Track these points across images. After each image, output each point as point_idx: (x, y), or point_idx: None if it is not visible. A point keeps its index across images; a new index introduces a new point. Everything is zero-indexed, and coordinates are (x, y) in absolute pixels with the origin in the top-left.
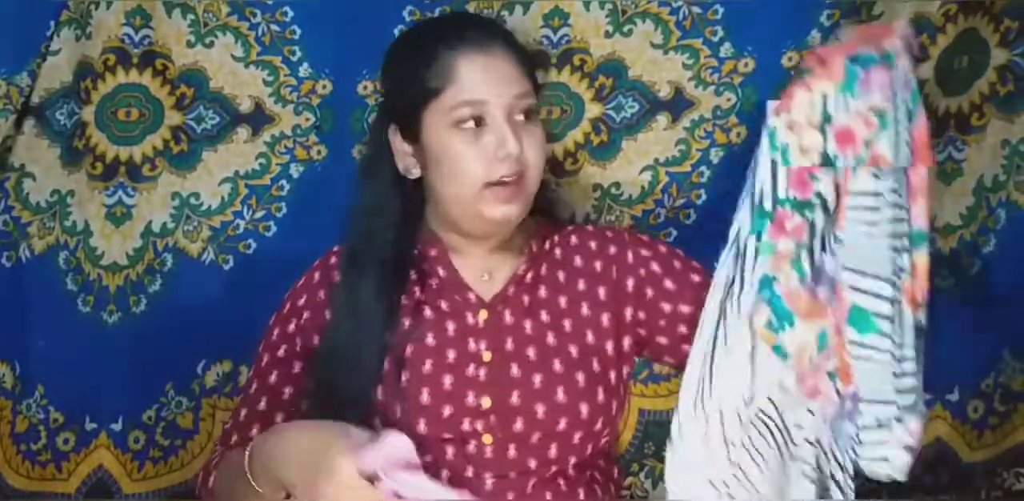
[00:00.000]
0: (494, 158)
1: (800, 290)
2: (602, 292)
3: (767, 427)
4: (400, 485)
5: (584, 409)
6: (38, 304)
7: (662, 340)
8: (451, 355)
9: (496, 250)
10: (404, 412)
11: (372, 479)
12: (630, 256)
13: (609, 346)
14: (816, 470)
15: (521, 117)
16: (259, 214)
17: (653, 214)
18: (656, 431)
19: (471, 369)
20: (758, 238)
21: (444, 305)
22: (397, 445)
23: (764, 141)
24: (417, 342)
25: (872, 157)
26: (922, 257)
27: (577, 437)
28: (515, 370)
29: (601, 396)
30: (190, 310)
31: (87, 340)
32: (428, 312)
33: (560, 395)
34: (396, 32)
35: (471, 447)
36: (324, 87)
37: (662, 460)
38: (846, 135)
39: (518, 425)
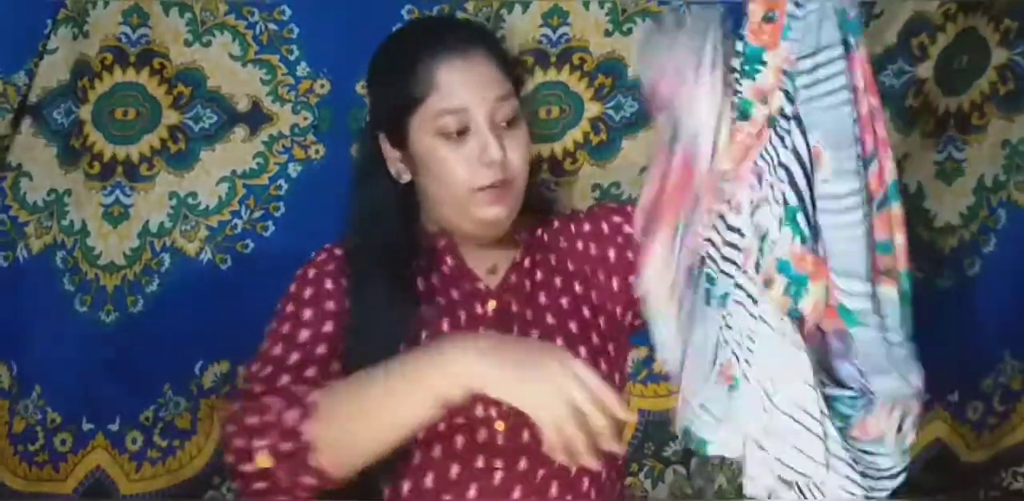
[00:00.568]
0: (478, 163)
1: (804, 252)
2: (588, 269)
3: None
4: None
5: None
6: (35, 304)
7: None
8: None
9: (495, 244)
10: None
11: None
12: (605, 227)
13: (602, 320)
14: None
15: (503, 121)
16: (257, 214)
17: None
18: (656, 431)
19: None
20: None
21: (455, 294)
22: None
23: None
24: (431, 329)
25: None
26: (897, 211)
27: None
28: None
29: (604, 367)
30: (188, 310)
31: (84, 340)
32: (440, 300)
33: None
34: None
35: (483, 435)
36: (322, 86)
37: (662, 460)
38: None
39: None
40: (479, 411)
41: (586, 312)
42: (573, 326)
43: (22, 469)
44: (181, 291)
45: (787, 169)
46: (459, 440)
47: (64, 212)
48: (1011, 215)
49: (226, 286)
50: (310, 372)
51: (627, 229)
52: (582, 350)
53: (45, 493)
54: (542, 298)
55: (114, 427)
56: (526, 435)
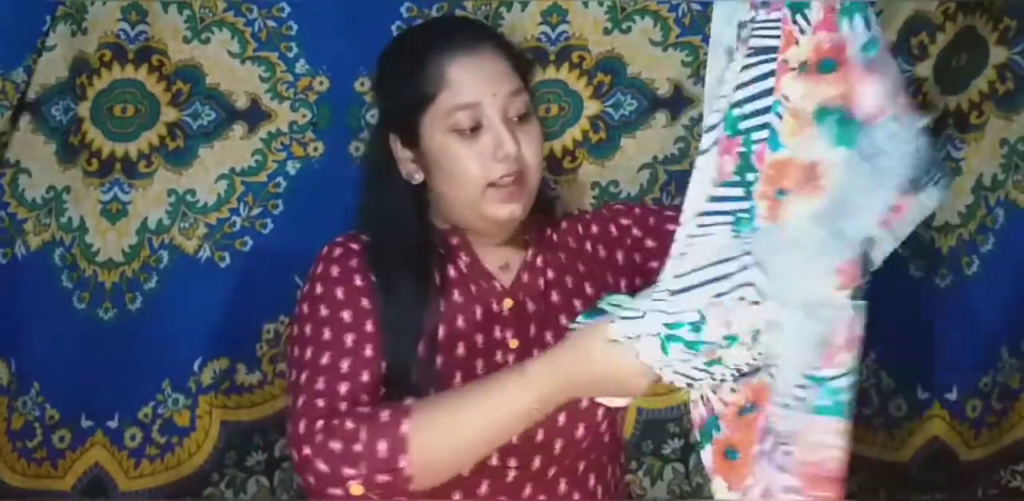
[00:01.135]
0: (492, 159)
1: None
2: (598, 270)
3: None
4: None
5: None
6: (33, 301)
7: None
8: (480, 340)
9: (505, 243)
10: (438, 392)
11: None
12: (613, 229)
13: None
14: None
15: (516, 116)
16: (256, 211)
17: None
18: (654, 429)
19: (499, 355)
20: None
21: (471, 292)
22: None
23: None
24: (449, 326)
25: None
26: None
27: (600, 413)
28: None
29: None
30: (186, 307)
31: (83, 337)
32: (457, 296)
33: None
34: (394, 28)
35: None
36: (321, 83)
37: (661, 458)
38: None
39: None
40: None
41: None
42: None
43: (20, 466)
44: (179, 288)
45: None
46: None
47: (63, 209)
48: (1009, 214)
49: (225, 283)
50: (365, 377)
51: (635, 232)
52: None
53: (43, 490)
54: (555, 297)
55: (113, 424)
56: (541, 434)
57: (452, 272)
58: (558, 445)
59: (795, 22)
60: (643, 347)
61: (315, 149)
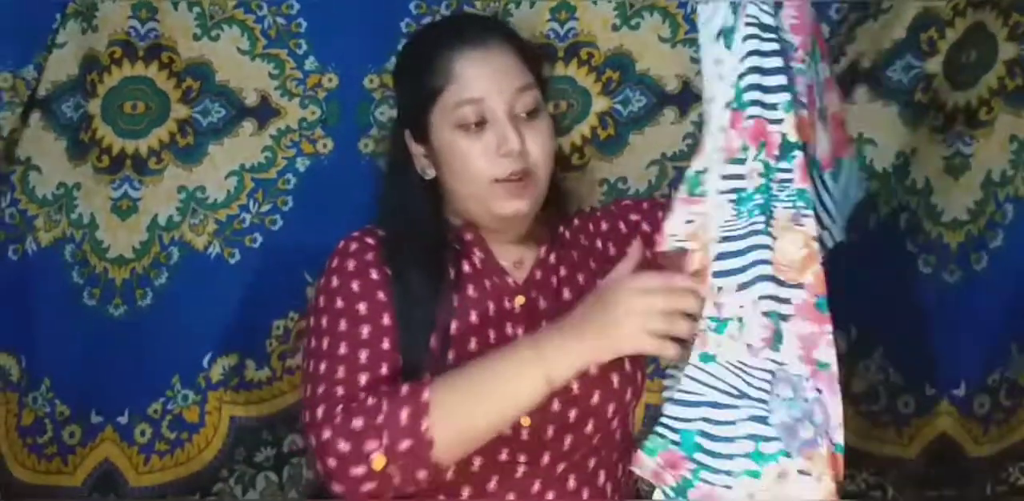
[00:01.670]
0: (497, 155)
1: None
2: (609, 268)
3: None
4: None
5: (615, 379)
6: (44, 297)
7: None
8: (492, 336)
9: (519, 239)
10: None
11: None
12: (622, 226)
13: None
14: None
15: (523, 112)
16: (265, 208)
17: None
18: None
19: None
20: None
21: (484, 287)
22: None
23: None
24: (462, 321)
25: None
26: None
27: (610, 410)
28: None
29: (628, 365)
30: (196, 304)
31: (93, 333)
32: (471, 292)
33: (592, 368)
34: (403, 26)
35: (507, 429)
36: (330, 80)
37: None
38: None
39: (555, 405)
40: None
41: None
42: None
43: (31, 461)
44: (189, 285)
45: None
46: None
47: (73, 206)
48: (1018, 210)
49: (234, 280)
50: (384, 370)
51: (645, 227)
52: None
53: (54, 486)
54: (567, 294)
55: (123, 420)
56: (551, 431)
57: (466, 267)
58: (567, 441)
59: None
60: None
61: (324, 146)
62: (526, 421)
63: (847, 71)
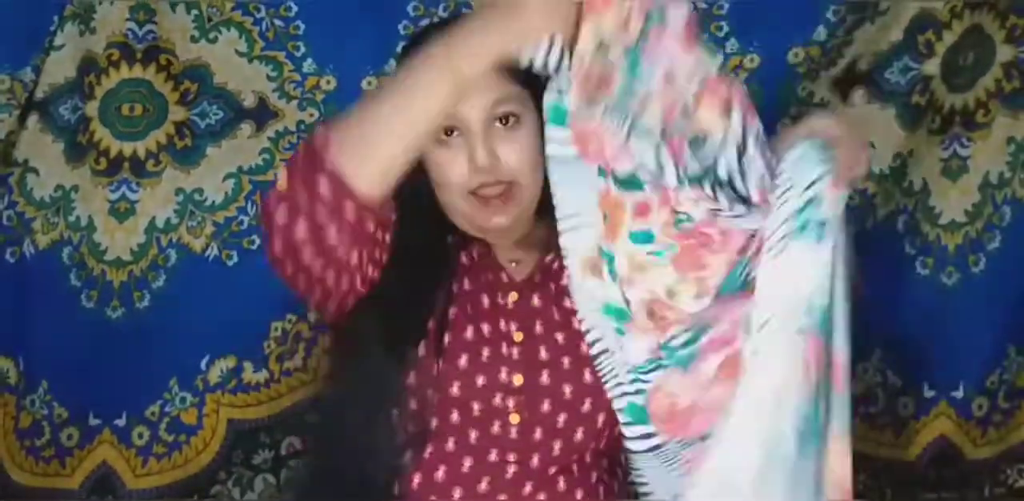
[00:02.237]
0: (468, 168)
1: None
2: None
3: None
4: None
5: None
6: (42, 300)
7: None
8: (486, 329)
9: (520, 243)
10: (441, 372)
11: None
12: None
13: None
14: None
15: (500, 124)
16: None
17: None
18: None
19: (504, 347)
20: None
21: (481, 278)
22: None
23: None
24: (458, 308)
25: None
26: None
27: (600, 420)
28: (544, 352)
29: None
30: (194, 306)
31: (91, 336)
32: (467, 283)
33: (587, 376)
34: (401, 28)
35: (496, 427)
36: (328, 83)
37: None
38: None
39: (545, 406)
40: (496, 402)
41: None
42: None
43: (29, 464)
44: (187, 287)
45: None
46: (473, 433)
47: (71, 208)
48: (1016, 212)
49: (232, 282)
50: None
51: None
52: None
53: (51, 488)
54: (567, 303)
55: (120, 422)
56: (539, 433)
57: (464, 259)
58: (557, 446)
59: None
60: None
61: None
62: (515, 418)
63: (845, 73)
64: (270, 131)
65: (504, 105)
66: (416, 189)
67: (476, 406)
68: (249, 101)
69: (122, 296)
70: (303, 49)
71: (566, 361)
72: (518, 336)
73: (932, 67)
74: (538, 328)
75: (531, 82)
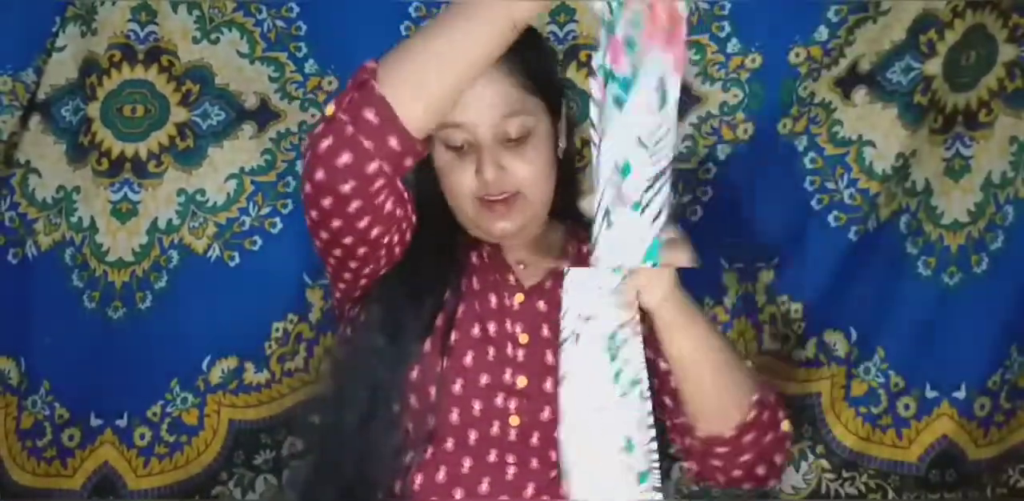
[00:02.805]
0: (476, 179)
1: None
2: None
3: None
4: None
5: None
6: (44, 300)
7: None
8: (492, 328)
9: (530, 247)
10: (445, 369)
11: None
12: None
13: None
14: None
15: (510, 138)
16: (265, 211)
17: None
18: (658, 430)
19: (509, 348)
20: None
21: (489, 278)
22: None
23: None
24: (466, 306)
25: None
26: None
27: None
28: (550, 357)
29: None
30: (195, 307)
31: (92, 336)
32: (475, 283)
33: None
34: (403, 29)
35: (495, 429)
36: (330, 83)
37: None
38: None
39: (546, 414)
40: (498, 402)
41: None
42: None
43: (30, 464)
44: (189, 288)
45: None
46: (472, 434)
47: (73, 209)
48: (1019, 212)
49: (234, 283)
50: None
51: None
52: None
53: (53, 489)
54: None
55: (122, 423)
56: (537, 435)
57: (474, 258)
58: (553, 455)
59: None
60: None
61: None
62: (515, 420)
63: (846, 73)
64: (272, 132)
65: (515, 118)
66: (427, 189)
67: (477, 406)
68: (251, 102)
69: (124, 297)
70: (305, 50)
71: None
72: (523, 338)
73: (934, 67)
74: (545, 332)
75: (543, 90)
